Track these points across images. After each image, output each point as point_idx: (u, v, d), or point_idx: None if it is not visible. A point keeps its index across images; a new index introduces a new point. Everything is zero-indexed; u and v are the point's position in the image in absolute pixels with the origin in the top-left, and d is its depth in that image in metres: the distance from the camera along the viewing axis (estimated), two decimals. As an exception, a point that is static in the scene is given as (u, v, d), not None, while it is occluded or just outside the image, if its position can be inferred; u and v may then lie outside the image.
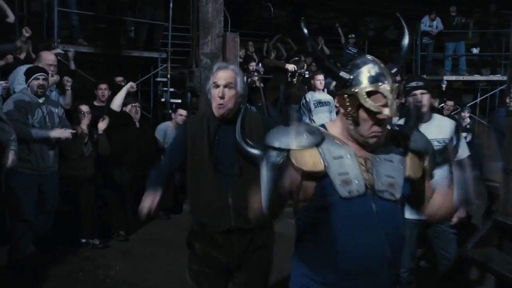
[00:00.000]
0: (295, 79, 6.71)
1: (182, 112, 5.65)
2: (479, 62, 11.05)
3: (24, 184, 3.77)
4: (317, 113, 6.11)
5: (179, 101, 7.37)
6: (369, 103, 1.43)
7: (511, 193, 2.84)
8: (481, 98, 10.81)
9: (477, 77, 10.77)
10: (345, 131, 1.53)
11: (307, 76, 6.42)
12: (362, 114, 1.45)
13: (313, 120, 6.04)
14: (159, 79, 8.73)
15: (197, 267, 2.21)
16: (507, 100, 2.91)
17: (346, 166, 1.49)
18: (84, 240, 4.29)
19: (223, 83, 2.11)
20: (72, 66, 6.21)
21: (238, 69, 2.26)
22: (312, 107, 6.07)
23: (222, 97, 2.10)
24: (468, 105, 9.00)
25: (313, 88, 6.23)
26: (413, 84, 3.04)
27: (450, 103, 6.33)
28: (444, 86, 9.28)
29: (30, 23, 7.74)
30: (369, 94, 1.43)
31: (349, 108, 1.47)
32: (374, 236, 1.49)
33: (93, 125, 4.58)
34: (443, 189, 1.64)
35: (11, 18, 5.48)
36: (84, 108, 4.47)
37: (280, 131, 1.50)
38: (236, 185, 2.08)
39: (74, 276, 3.66)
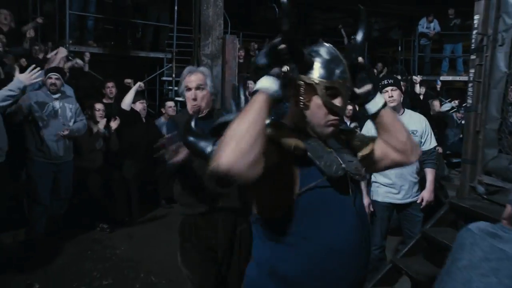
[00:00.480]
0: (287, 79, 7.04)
1: (170, 104, 6.01)
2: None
3: (39, 171, 4.19)
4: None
5: (183, 99, 7.76)
6: (325, 98, 1.42)
7: (466, 180, 3.21)
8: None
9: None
10: (300, 122, 1.48)
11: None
12: (317, 101, 1.43)
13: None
14: (164, 78, 9.13)
15: (188, 245, 2.35)
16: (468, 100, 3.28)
17: (319, 151, 1.44)
18: (93, 224, 4.73)
19: (194, 85, 2.31)
20: (86, 68, 6.65)
21: (207, 70, 2.50)
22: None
23: (195, 99, 2.31)
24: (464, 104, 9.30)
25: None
26: (385, 82, 3.43)
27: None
28: (438, 86, 9.60)
29: (43, 24, 8.22)
30: (327, 88, 1.42)
31: (303, 96, 1.43)
32: (352, 216, 1.47)
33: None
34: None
35: (29, 27, 5.93)
36: (99, 106, 4.92)
37: None
38: None
39: (84, 254, 4.07)
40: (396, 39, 13.72)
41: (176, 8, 8.54)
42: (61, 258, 3.97)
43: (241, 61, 7.92)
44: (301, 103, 1.43)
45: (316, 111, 1.43)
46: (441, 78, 10.49)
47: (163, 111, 6.04)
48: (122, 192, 4.97)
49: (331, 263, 1.42)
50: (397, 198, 3.36)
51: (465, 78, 11.14)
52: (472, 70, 3.20)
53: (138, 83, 5.60)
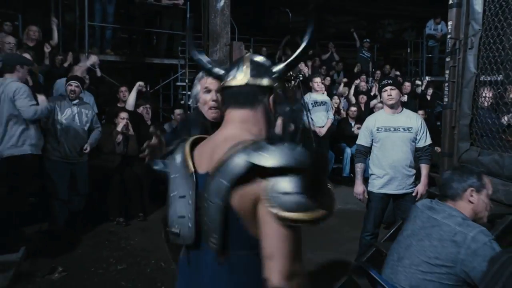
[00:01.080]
0: (292, 83, 7.38)
1: (179, 111, 6.43)
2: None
3: (57, 169, 4.65)
4: (315, 112, 6.82)
5: (195, 104, 8.17)
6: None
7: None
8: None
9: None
10: None
11: (301, 78, 7.05)
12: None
13: (312, 119, 6.76)
14: (179, 83, 9.58)
15: None
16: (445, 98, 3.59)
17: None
18: (110, 218, 5.15)
19: (215, 87, 2.11)
20: (98, 73, 7.12)
21: None
22: (310, 106, 6.78)
23: (215, 101, 2.11)
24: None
25: (311, 90, 6.94)
26: (384, 81, 3.77)
27: None
28: None
29: (64, 34, 8.78)
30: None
31: None
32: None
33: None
34: None
35: (55, 40, 6.42)
36: (123, 115, 5.37)
37: None
38: None
39: (101, 244, 4.49)
40: (409, 40, 13.79)
41: (188, 16, 8.98)
42: (80, 247, 4.39)
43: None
44: None
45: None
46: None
47: (172, 117, 6.45)
48: (136, 189, 5.38)
49: None
50: (391, 189, 3.68)
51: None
52: (447, 71, 3.51)
53: (138, 83, 5.95)
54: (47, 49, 6.02)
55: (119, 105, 6.08)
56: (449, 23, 3.45)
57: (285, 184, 1.12)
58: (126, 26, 9.04)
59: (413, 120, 3.73)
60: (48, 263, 3.86)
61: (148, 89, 8.50)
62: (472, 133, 3.31)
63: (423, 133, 3.70)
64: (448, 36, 3.47)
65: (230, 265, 1.24)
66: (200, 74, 2.35)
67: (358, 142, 3.89)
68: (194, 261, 1.36)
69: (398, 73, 10.52)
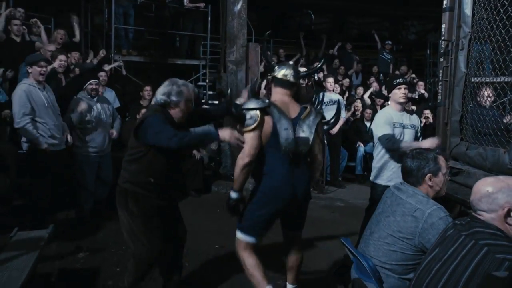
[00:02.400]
0: (306, 81, 7.66)
1: None
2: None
3: (85, 162, 5.06)
4: (328, 111, 7.00)
5: (217, 102, 8.55)
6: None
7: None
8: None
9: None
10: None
11: (316, 78, 7.32)
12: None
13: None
14: (200, 83, 9.97)
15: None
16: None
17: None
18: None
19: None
20: (124, 72, 7.57)
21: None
22: (323, 105, 7.02)
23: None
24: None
25: (324, 89, 7.20)
26: (399, 80, 3.95)
27: None
28: None
29: (93, 36, 9.30)
30: None
31: None
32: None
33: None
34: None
35: (77, 38, 6.89)
36: (144, 110, 5.78)
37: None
38: None
39: (121, 230, 4.87)
40: (429, 42, 13.81)
41: (209, 19, 9.37)
42: (103, 231, 4.80)
43: (262, 70, 8.61)
44: None
45: None
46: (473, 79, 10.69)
47: None
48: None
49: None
50: (390, 182, 3.87)
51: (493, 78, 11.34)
52: (440, 71, 3.74)
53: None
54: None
55: (141, 102, 6.50)
56: (443, 26, 3.69)
57: None
58: (151, 28, 9.49)
59: (414, 118, 3.98)
60: (73, 244, 4.27)
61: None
62: (462, 128, 3.54)
63: (421, 131, 3.96)
64: (442, 38, 3.70)
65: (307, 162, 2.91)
66: (189, 87, 3.06)
67: (384, 132, 3.70)
68: (293, 161, 2.80)
69: (413, 75, 10.59)
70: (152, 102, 3.21)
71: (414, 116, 4.02)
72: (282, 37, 12.24)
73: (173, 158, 3.00)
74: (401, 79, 3.92)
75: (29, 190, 4.61)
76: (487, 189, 1.77)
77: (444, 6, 3.61)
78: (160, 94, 2.98)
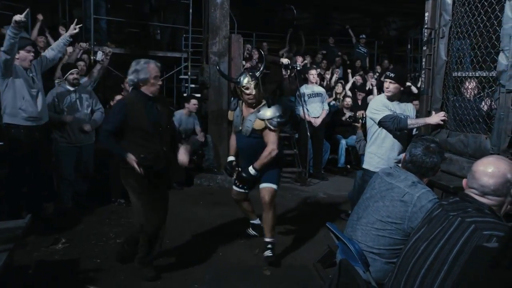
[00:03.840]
0: (288, 72, 7.65)
1: (194, 101, 6.72)
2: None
3: (64, 153, 4.95)
4: (311, 103, 7.07)
5: (199, 95, 8.45)
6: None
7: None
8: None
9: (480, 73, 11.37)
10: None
11: (298, 68, 7.29)
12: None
13: (307, 109, 7.02)
14: (182, 76, 9.86)
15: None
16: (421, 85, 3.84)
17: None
18: (112, 199, 5.45)
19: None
20: (106, 63, 7.40)
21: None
22: (306, 98, 7.04)
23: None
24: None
25: (307, 81, 7.19)
26: (386, 73, 3.91)
27: None
28: None
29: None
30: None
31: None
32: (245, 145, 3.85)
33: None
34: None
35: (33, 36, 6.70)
36: (119, 97, 5.66)
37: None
38: None
39: (103, 222, 4.79)
40: (409, 37, 13.95)
41: (191, 11, 9.25)
42: (83, 223, 4.70)
43: (255, 60, 8.58)
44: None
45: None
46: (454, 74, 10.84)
47: (186, 105, 6.71)
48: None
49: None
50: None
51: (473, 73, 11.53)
52: (423, 60, 3.76)
53: None
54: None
55: (122, 93, 6.37)
56: (426, 14, 3.70)
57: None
58: (131, 20, 9.34)
59: (408, 108, 3.94)
60: (52, 236, 4.17)
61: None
62: (444, 116, 3.56)
63: None
64: (425, 27, 3.71)
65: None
66: (147, 63, 3.31)
67: (383, 114, 3.68)
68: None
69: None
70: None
71: (409, 105, 3.97)
72: (265, 31, 12.20)
73: (149, 137, 3.28)
74: (387, 73, 3.90)
75: (7, 180, 4.46)
76: (509, 173, 1.67)
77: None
78: (129, 76, 3.30)
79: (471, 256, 1.34)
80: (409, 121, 3.59)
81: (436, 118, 3.52)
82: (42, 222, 4.47)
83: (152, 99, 3.33)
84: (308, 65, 8.61)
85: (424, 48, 3.74)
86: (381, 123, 3.69)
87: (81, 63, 6.26)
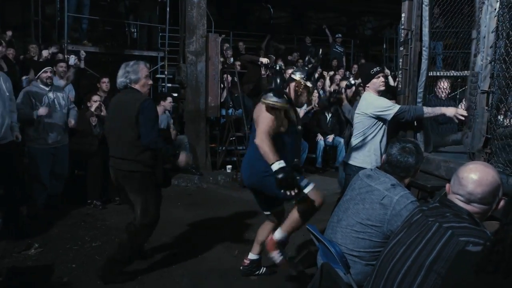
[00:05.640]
0: (267, 72, 7.64)
1: (170, 99, 6.64)
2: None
3: (39, 155, 4.79)
4: (288, 102, 7.07)
5: (176, 94, 8.36)
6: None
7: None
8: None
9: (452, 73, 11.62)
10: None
11: (278, 68, 7.27)
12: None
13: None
14: (159, 75, 9.74)
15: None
16: (399, 85, 3.87)
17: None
18: (88, 201, 5.33)
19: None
20: (82, 65, 7.27)
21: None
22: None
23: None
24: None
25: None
26: (378, 68, 3.83)
27: None
28: None
29: (44, 26, 8.87)
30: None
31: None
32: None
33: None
34: None
35: None
36: (95, 97, 5.55)
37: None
38: None
39: (78, 224, 4.68)
40: (385, 37, 14.13)
41: (168, 9, 9.15)
42: (57, 227, 4.57)
43: (231, 59, 8.51)
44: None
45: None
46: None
47: (162, 103, 6.54)
48: (113, 174, 5.56)
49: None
50: (373, 165, 3.82)
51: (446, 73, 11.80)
52: (400, 60, 3.78)
53: None
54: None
55: (98, 93, 6.24)
56: (402, 15, 3.73)
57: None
58: (106, 18, 9.17)
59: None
60: (25, 241, 4.03)
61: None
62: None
63: None
64: (401, 27, 3.74)
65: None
66: (140, 64, 3.40)
67: (396, 108, 3.53)
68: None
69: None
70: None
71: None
72: (241, 30, 12.17)
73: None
74: (378, 68, 3.78)
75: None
76: (497, 182, 1.64)
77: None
78: (119, 78, 3.35)
79: (454, 262, 1.33)
80: (425, 110, 3.50)
81: (453, 110, 3.39)
82: (14, 227, 4.33)
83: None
84: (283, 66, 8.58)
85: (401, 48, 3.77)
86: (397, 116, 3.54)
87: (62, 65, 6.17)
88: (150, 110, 3.24)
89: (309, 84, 3.23)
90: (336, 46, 11.86)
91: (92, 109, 5.49)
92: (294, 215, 3.14)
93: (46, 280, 3.37)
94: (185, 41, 6.86)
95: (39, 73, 4.81)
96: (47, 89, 4.84)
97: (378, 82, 3.63)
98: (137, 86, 3.34)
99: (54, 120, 4.83)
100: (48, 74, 4.84)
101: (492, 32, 2.64)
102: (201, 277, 3.57)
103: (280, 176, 2.66)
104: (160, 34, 9.56)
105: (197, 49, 6.70)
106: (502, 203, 1.62)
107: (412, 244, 1.61)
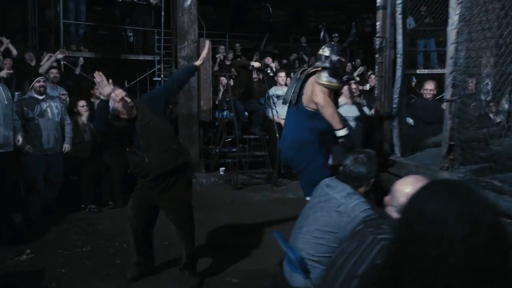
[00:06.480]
0: (260, 75, 7.75)
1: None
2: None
3: (34, 162, 4.95)
4: (280, 105, 7.18)
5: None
6: None
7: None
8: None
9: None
10: None
11: (270, 73, 7.42)
12: None
13: (277, 111, 7.13)
14: (156, 78, 9.88)
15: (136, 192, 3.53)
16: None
17: None
18: (82, 206, 5.48)
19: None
20: (77, 71, 7.42)
21: None
22: (275, 99, 7.15)
23: None
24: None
25: (276, 84, 7.30)
26: (348, 76, 4.07)
27: None
28: (413, 83, 10.16)
29: (41, 32, 9.03)
30: None
31: None
32: None
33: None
34: None
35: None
36: (81, 103, 5.68)
37: None
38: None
39: (71, 229, 4.83)
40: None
41: (163, 13, 9.28)
42: (51, 232, 4.72)
43: (228, 62, 8.64)
44: None
45: None
46: (418, 71, 11.10)
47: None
48: (106, 179, 5.71)
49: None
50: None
51: (438, 71, 11.84)
52: (376, 67, 3.89)
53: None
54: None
55: (92, 100, 6.39)
56: (377, 23, 3.83)
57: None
58: (102, 24, 9.31)
59: (365, 110, 4.11)
60: (19, 248, 4.17)
61: (126, 84, 8.86)
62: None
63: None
64: (376, 35, 3.84)
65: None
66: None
67: None
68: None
69: (362, 68, 10.83)
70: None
71: (365, 108, 4.13)
72: (238, 31, 12.25)
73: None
74: (349, 75, 4.07)
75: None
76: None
77: (377, 4, 3.74)
78: None
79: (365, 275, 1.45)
80: None
81: None
82: (9, 233, 4.49)
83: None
84: (278, 67, 8.68)
85: (377, 56, 3.88)
86: None
87: (53, 71, 6.31)
88: None
89: (342, 58, 3.60)
90: None
91: (84, 119, 5.63)
92: None
93: (36, 286, 3.52)
94: (177, 47, 6.98)
95: (33, 83, 4.98)
96: (41, 97, 4.99)
97: (349, 89, 4.13)
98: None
99: (47, 128, 4.99)
100: (42, 83, 5.00)
101: (452, 44, 2.73)
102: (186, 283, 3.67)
103: (343, 141, 3.26)
104: (157, 37, 9.71)
105: (188, 54, 6.82)
106: None
107: (351, 254, 1.73)
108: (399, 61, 3.72)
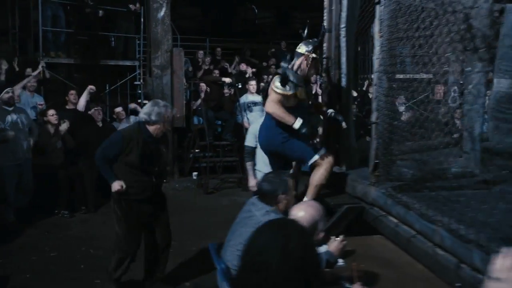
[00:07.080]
0: (231, 90, 8.03)
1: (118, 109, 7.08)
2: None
3: (6, 174, 5.16)
4: (252, 111, 7.46)
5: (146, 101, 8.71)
6: None
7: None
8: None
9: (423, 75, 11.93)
10: None
11: (240, 87, 7.71)
12: None
13: (248, 118, 7.39)
14: (136, 82, 10.06)
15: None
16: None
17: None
18: (56, 211, 5.70)
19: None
20: (47, 75, 7.62)
21: None
22: (246, 107, 7.42)
23: None
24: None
25: (247, 92, 7.57)
26: None
27: None
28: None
29: (20, 38, 9.19)
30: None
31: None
32: None
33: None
34: None
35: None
36: (51, 112, 5.89)
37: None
38: None
39: (41, 235, 5.04)
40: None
41: (142, 20, 9.46)
42: (21, 238, 4.95)
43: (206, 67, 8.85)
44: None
45: None
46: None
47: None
48: (79, 185, 5.94)
49: None
50: None
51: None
52: (323, 85, 4.16)
53: (89, 87, 6.54)
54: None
55: (67, 107, 6.59)
56: (324, 45, 4.10)
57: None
58: (81, 31, 9.48)
59: None
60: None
61: (107, 89, 9.09)
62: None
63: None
64: (324, 56, 4.11)
65: None
66: (169, 108, 3.46)
67: None
68: None
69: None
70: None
71: None
72: (223, 31, 12.36)
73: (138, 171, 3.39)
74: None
75: None
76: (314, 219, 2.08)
77: (323, 28, 3.99)
78: (143, 113, 3.39)
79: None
80: None
81: None
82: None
83: (153, 139, 3.40)
84: (250, 74, 8.91)
85: (323, 75, 4.15)
86: None
87: (32, 80, 6.55)
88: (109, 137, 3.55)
89: (314, 55, 3.64)
90: None
91: (61, 128, 5.84)
92: (313, 180, 3.56)
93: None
94: (151, 56, 7.21)
95: (1, 94, 5.17)
96: (10, 109, 5.20)
97: None
98: (151, 127, 3.35)
99: (18, 138, 5.21)
100: (10, 94, 5.20)
101: (375, 72, 3.01)
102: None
103: (304, 130, 3.34)
104: (137, 42, 9.89)
105: (162, 63, 7.07)
106: (320, 235, 2.03)
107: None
108: (343, 80, 3.99)
